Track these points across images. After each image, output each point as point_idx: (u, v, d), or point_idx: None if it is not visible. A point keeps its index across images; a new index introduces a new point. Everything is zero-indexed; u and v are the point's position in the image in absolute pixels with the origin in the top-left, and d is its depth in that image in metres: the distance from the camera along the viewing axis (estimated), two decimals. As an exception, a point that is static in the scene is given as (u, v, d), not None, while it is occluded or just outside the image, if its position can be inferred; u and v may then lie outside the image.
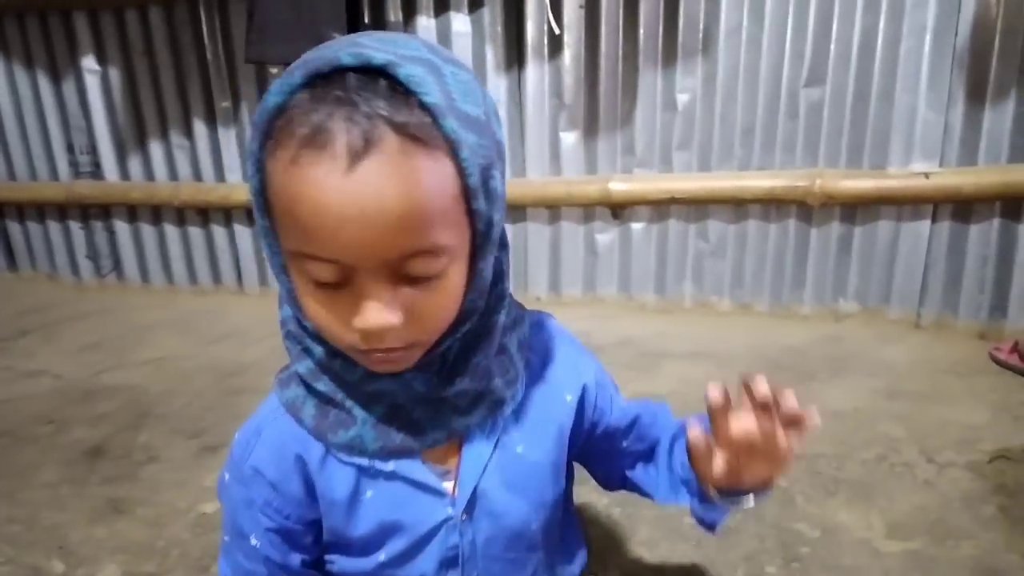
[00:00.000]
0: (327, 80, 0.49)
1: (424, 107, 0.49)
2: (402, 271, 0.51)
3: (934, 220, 2.13)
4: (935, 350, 2.06)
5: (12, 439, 1.76)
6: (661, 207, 2.38)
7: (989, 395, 1.76)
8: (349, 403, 0.62)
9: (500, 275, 0.63)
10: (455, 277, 0.55)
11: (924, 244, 2.15)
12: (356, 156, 0.47)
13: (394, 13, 2.43)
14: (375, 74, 0.49)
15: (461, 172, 0.51)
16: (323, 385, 0.62)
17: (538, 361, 0.72)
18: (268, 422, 0.65)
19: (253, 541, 0.65)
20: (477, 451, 0.67)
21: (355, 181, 0.47)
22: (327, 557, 0.70)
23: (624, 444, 0.78)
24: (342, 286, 0.52)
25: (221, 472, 0.68)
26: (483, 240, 0.55)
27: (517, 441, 0.69)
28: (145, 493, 1.50)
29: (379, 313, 0.51)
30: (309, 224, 0.49)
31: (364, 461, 0.63)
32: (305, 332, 0.61)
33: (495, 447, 0.67)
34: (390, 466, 0.64)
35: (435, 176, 0.50)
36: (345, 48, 0.49)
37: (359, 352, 0.55)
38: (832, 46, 2.11)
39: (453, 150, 0.50)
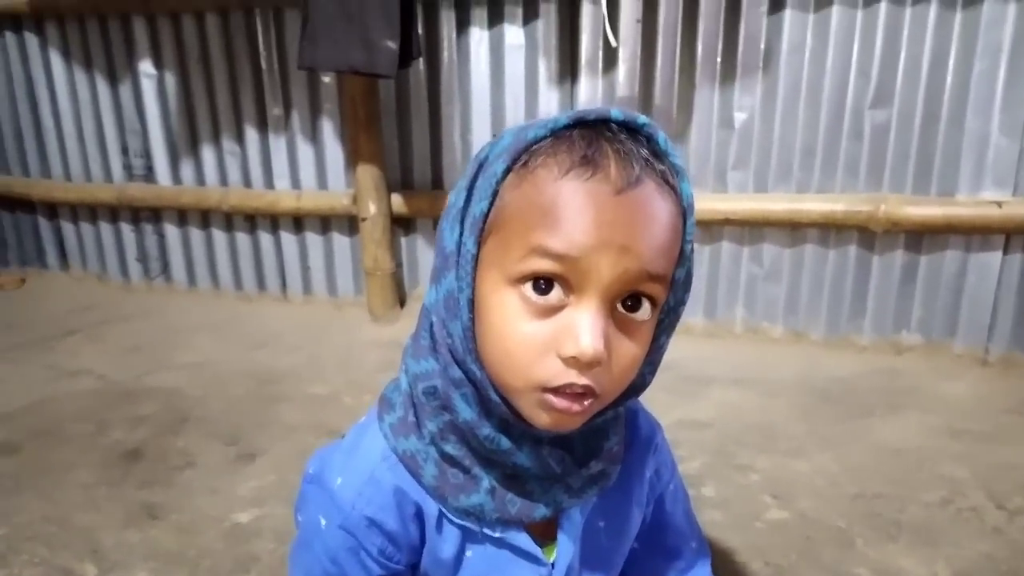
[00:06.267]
0: (592, 125, 0.54)
1: (673, 169, 0.55)
2: (624, 297, 0.53)
3: (1006, 251, 2.02)
4: (1002, 387, 1.95)
5: (52, 438, 1.76)
6: (714, 228, 2.31)
7: (1063, 439, 1.65)
8: (476, 469, 0.62)
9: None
10: (647, 335, 0.56)
11: (994, 276, 2.04)
12: (626, 184, 0.51)
13: (447, 24, 2.41)
14: (635, 132, 0.55)
15: (683, 236, 0.56)
16: (451, 447, 0.61)
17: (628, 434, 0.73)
18: (383, 471, 0.62)
19: None
20: (573, 524, 0.67)
21: (624, 198, 0.51)
22: None
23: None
24: (556, 311, 0.53)
25: (310, 516, 0.64)
26: (671, 313, 0.59)
27: (599, 516, 0.69)
28: (179, 499, 1.48)
29: (596, 338, 0.51)
30: (570, 214, 0.51)
31: (475, 526, 0.64)
32: (454, 386, 0.59)
33: (585, 521, 0.68)
34: (498, 533, 0.64)
35: (675, 223, 0.55)
36: (603, 108, 0.55)
37: (541, 398, 0.54)
38: (900, 65, 2.03)
39: (684, 213, 0.56)
